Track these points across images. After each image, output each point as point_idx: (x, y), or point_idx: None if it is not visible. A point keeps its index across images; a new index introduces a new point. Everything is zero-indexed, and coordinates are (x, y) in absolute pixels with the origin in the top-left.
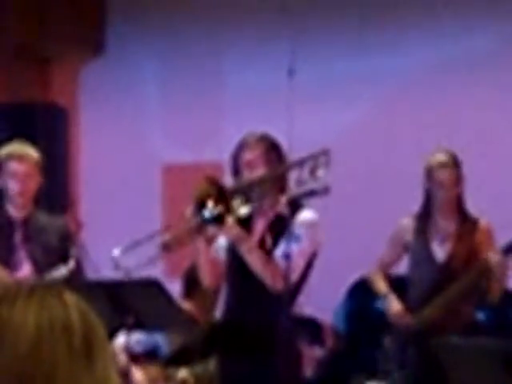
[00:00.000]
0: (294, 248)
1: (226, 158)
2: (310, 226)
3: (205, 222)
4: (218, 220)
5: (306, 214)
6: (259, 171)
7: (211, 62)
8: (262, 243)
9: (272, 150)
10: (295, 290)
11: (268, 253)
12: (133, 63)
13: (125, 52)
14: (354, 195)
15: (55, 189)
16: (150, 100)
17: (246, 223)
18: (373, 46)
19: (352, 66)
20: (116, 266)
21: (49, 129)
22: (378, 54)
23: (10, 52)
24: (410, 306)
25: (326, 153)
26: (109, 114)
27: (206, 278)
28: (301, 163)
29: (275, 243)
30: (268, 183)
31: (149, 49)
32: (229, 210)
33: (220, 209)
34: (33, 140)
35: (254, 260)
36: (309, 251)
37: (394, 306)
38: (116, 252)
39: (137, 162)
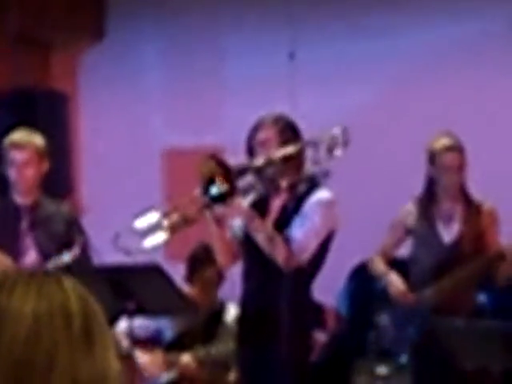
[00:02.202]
0: (307, 228)
1: (227, 142)
2: (326, 205)
3: (212, 201)
4: (224, 199)
5: (321, 194)
6: (274, 150)
7: (212, 46)
8: (277, 223)
9: (287, 129)
10: (311, 271)
11: (281, 233)
12: (133, 49)
13: (125, 38)
14: (356, 179)
15: (55, 174)
16: (150, 85)
17: (262, 203)
18: (374, 28)
19: (353, 49)
20: (116, 246)
21: (49, 115)
22: (379, 35)
23: (10, 39)
24: (411, 286)
25: (344, 131)
26: (109, 99)
27: (221, 257)
28: (315, 142)
29: (290, 223)
30: (279, 164)
31: (149, 34)
32: (234, 189)
33: (226, 187)
34: (34, 126)
35: (263, 239)
36: (323, 231)
37: (397, 283)
38: (121, 233)
39: (137, 146)
